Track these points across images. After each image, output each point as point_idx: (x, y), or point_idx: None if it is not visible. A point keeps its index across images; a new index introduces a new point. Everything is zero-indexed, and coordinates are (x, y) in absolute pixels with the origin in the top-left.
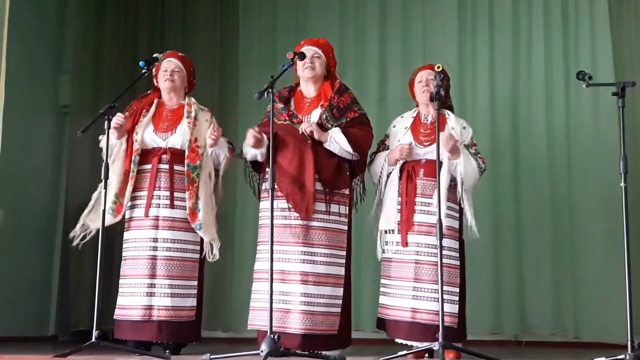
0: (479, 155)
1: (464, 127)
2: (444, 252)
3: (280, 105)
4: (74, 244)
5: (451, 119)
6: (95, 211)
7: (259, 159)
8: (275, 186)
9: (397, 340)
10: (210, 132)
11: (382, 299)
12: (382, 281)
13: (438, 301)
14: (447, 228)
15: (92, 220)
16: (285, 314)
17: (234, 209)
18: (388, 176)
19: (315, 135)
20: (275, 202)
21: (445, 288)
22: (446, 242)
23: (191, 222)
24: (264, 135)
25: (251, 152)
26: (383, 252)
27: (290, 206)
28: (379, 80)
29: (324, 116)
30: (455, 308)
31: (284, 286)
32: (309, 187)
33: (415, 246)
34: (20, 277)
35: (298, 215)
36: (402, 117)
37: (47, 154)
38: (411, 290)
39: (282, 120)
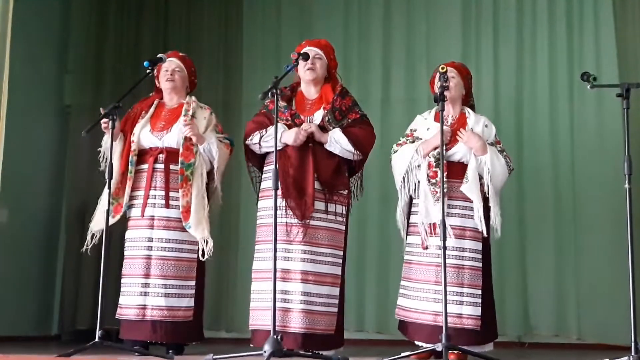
0: (505, 153)
1: (486, 125)
2: (466, 254)
3: (282, 104)
4: (84, 249)
5: (471, 117)
6: (97, 214)
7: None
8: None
9: (417, 342)
10: (182, 125)
11: (402, 301)
12: (403, 283)
13: (460, 304)
14: (471, 229)
15: (95, 224)
16: (286, 312)
17: (237, 209)
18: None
19: (316, 136)
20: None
21: (467, 290)
22: (469, 243)
23: (183, 220)
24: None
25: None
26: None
27: (289, 207)
28: (383, 82)
29: (327, 118)
30: (477, 311)
31: (286, 285)
32: (309, 190)
33: (437, 249)
34: (23, 276)
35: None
36: (425, 118)
37: (50, 154)
38: (432, 293)
39: (284, 120)
